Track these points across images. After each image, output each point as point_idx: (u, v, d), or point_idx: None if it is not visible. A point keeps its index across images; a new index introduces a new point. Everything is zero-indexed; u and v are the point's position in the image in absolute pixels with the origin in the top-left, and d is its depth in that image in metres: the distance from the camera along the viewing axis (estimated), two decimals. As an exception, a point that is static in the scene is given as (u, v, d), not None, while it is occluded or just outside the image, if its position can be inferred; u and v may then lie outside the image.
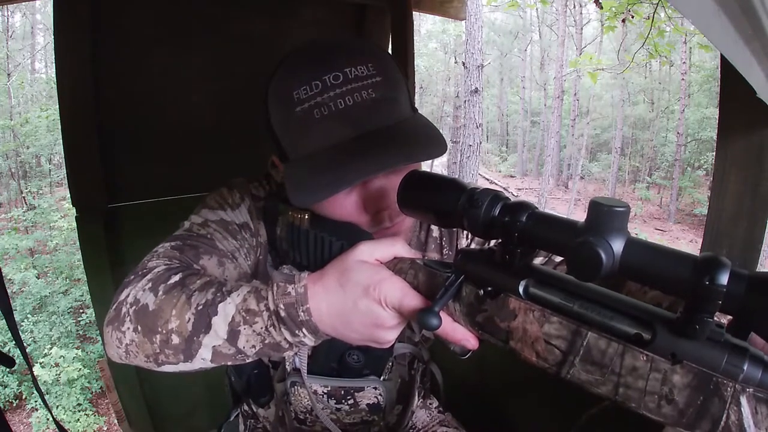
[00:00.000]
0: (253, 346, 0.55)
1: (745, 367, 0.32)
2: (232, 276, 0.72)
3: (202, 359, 0.56)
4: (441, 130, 0.69)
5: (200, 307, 0.55)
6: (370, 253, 0.56)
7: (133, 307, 0.58)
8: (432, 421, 1.05)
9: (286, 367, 0.84)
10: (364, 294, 0.52)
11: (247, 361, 0.58)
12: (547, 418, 1.12)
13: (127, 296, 0.59)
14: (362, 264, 0.55)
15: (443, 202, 0.49)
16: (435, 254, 0.90)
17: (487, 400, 1.32)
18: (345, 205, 0.66)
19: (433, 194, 0.51)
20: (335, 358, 0.82)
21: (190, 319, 0.55)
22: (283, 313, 0.53)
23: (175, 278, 0.59)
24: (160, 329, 0.56)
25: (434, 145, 0.65)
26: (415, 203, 0.53)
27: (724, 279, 0.31)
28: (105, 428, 5.48)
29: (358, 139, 0.62)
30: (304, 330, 0.54)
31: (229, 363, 0.58)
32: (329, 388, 0.84)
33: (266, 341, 0.55)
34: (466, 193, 0.47)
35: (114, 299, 0.61)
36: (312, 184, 0.62)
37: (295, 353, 0.78)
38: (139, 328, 0.57)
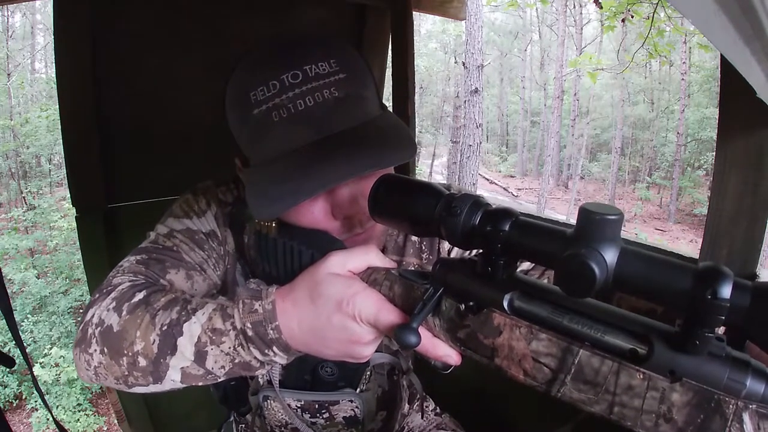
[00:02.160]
0: (222, 367, 0.53)
1: (748, 383, 0.30)
2: (201, 289, 0.69)
3: (172, 381, 0.54)
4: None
5: (165, 327, 0.53)
6: (342, 263, 0.52)
7: (99, 328, 0.55)
8: (429, 425, 1.03)
9: (259, 380, 0.81)
10: (337, 309, 0.49)
11: (219, 381, 0.56)
12: (548, 418, 1.12)
13: (92, 316, 0.57)
14: (334, 276, 0.51)
15: (418, 209, 0.45)
16: (414, 259, 0.85)
17: (486, 401, 1.32)
18: (312, 212, 0.61)
19: (407, 201, 0.47)
20: (308, 370, 0.79)
21: (155, 340, 0.52)
22: (250, 332, 0.51)
23: (139, 296, 0.56)
24: (126, 351, 0.53)
25: (403, 147, 0.60)
26: (388, 211, 0.49)
27: (726, 292, 0.29)
28: (105, 428, 5.49)
29: (322, 143, 0.57)
30: (274, 348, 0.52)
31: (200, 384, 0.55)
32: (302, 402, 0.81)
33: (236, 361, 0.53)
34: (443, 199, 0.43)
35: (81, 319, 0.59)
36: (272, 194, 0.57)
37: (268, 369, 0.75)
38: (106, 350, 0.54)
